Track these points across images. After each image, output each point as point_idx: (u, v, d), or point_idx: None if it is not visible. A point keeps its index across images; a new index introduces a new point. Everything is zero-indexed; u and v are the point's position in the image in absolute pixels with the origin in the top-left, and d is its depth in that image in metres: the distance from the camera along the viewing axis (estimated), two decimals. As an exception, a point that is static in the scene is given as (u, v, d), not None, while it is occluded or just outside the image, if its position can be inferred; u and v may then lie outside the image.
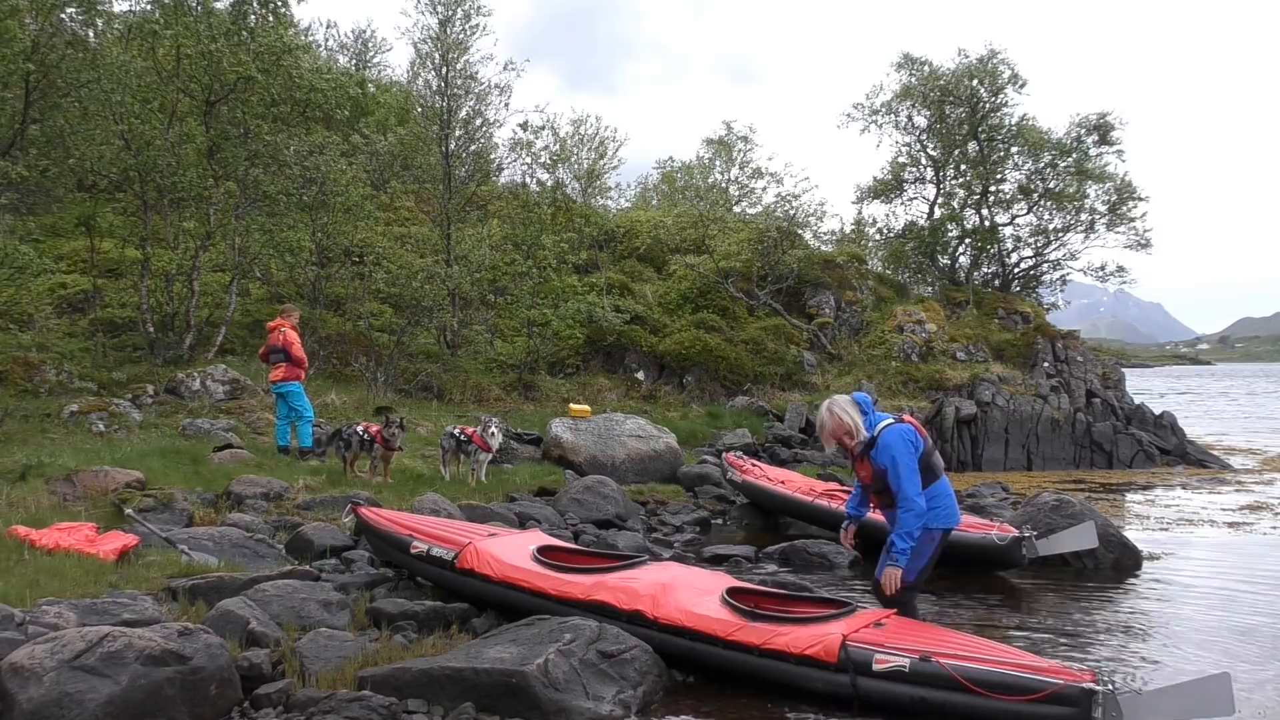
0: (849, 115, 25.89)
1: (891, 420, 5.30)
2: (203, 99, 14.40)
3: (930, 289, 24.86)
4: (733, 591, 5.37)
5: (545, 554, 6.00)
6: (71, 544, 6.17)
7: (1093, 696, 4.13)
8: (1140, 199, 23.21)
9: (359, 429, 10.00)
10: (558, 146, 22.45)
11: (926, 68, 24.13)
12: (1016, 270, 25.11)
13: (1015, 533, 8.00)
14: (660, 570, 5.73)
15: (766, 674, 4.83)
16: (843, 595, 5.42)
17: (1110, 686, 4.18)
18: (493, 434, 10.36)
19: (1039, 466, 17.09)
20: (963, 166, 24.68)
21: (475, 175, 21.85)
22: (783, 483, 10.42)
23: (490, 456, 10.56)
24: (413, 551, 6.17)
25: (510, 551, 5.95)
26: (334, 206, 15.68)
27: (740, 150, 27.60)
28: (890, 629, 4.84)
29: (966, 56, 23.78)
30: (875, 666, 4.54)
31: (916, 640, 4.67)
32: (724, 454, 12.15)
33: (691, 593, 5.30)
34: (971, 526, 8.12)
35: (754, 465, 11.18)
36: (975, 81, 23.40)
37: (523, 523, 8.78)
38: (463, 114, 19.47)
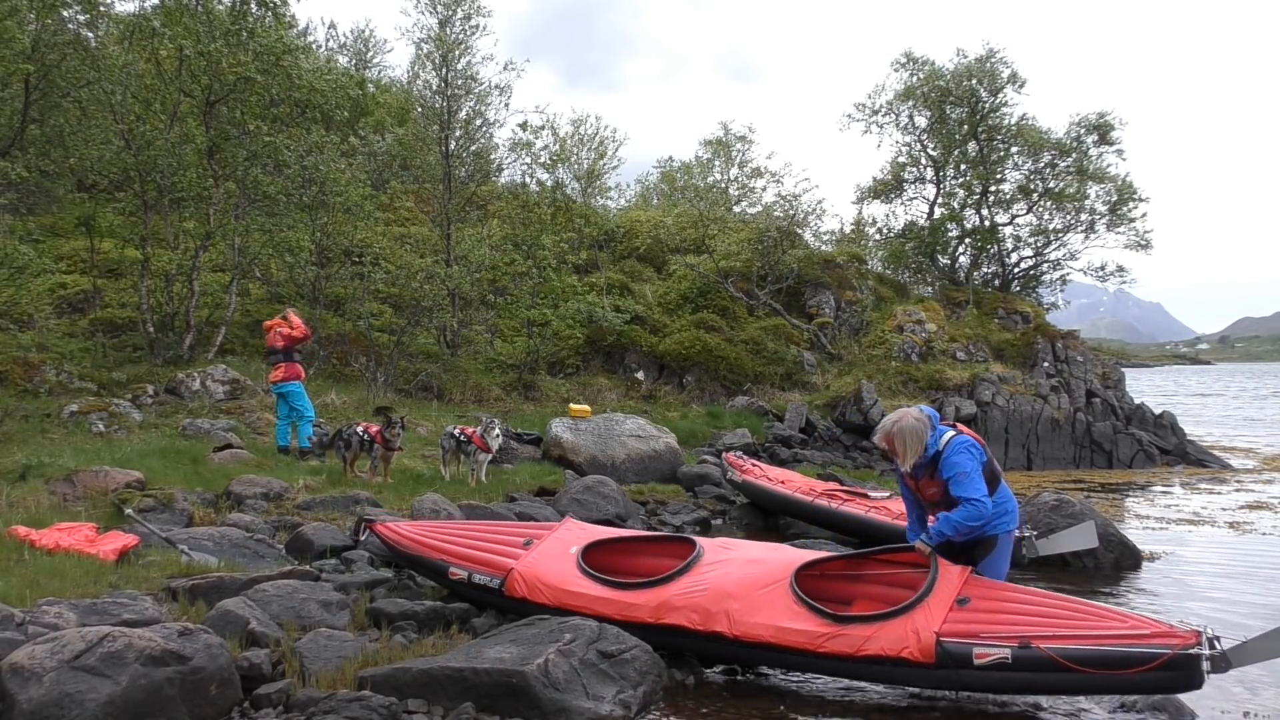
0: (850, 116, 25.93)
1: (953, 433, 5.17)
2: (202, 99, 14.41)
3: (930, 289, 24.87)
4: (801, 574, 5.11)
5: (592, 559, 5.64)
6: (71, 544, 6.17)
7: (1200, 657, 4.13)
8: (1140, 200, 23.24)
9: (359, 429, 10.00)
10: (557, 146, 22.46)
11: (927, 68, 24.14)
12: (1016, 270, 25.11)
13: (1015, 532, 8.00)
14: (720, 566, 5.32)
15: (865, 676, 4.78)
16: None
17: (1216, 645, 4.17)
18: (496, 435, 10.40)
19: (1039, 466, 17.09)
20: (963, 166, 24.69)
21: (475, 175, 21.84)
22: (783, 483, 10.43)
23: (490, 457, 10.57)
24: (452, 578, 5.83)
25: (558, 568, 5.56)
26: (334, 206, 15.69)
27: (739, 150, 27.62)
28: (978, 608, 4.69)
29: (965, 56, 23.81)
30: (976, 661, 4.46)
31: (1011, 621, 4.55)
32: (724, 454, 12.15)
33: (763, 595, 4.99)
34: None
35: (754, 465, 11.18)
36: (975, 81, 23.42)
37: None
38: (463, 114, 19.47)
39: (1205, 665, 4.11)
